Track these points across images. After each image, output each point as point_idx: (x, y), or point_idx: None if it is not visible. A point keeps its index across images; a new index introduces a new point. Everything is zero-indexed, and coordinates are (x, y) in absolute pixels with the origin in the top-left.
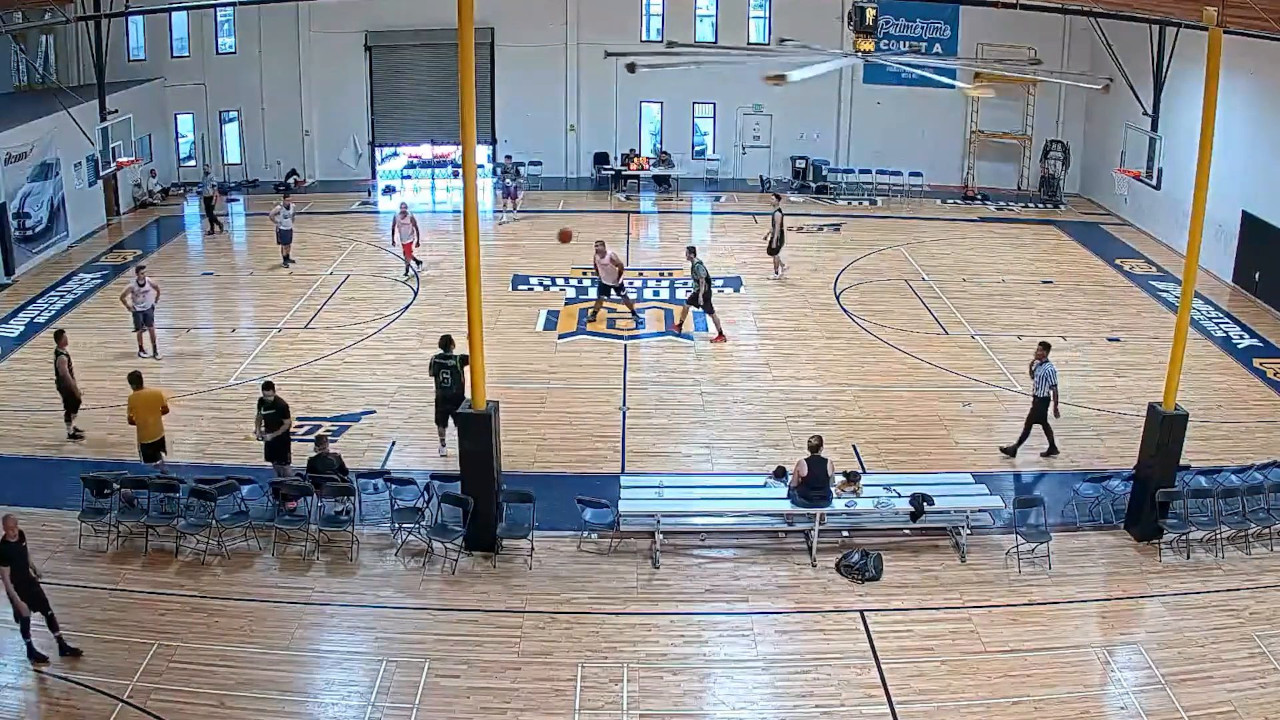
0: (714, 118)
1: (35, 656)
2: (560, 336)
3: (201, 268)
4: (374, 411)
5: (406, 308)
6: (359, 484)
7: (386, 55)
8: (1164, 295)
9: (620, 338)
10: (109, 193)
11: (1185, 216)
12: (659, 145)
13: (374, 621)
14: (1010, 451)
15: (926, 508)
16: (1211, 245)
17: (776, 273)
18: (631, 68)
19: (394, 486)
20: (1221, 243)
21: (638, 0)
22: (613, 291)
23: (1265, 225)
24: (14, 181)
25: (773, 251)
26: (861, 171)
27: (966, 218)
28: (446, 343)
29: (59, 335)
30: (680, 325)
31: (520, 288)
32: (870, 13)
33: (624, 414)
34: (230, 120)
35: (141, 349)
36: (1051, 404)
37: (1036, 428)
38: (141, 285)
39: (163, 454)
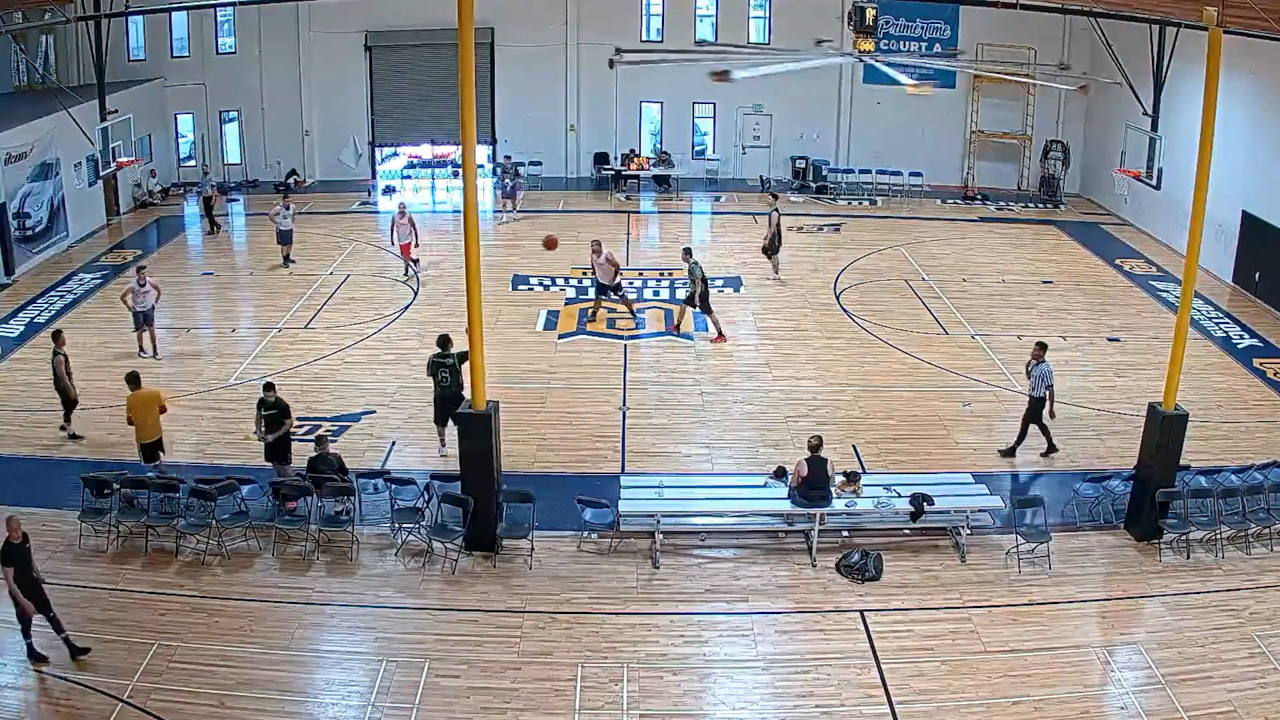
0: (714, 118)
1: (35, 656)
2: (560, 336)
3: (201, 268)
4: (374, 411)
5: (406, 308)
6: (359, 484)
7: (386, 55)
8: (1164, 295)
9: (620, 338)
10: (109, 193)
11: (1185, 216)
12: (659, 145)
13: (374, 621)
14: (1009, 452)
15: (926, 508)
16: (1211, 245)
17: (776, 273)
18: (611, 64)
19: (394, 486)
20: (1221, 243)
21: (638, 0)
22: (610, 292)
23: (1265, 225)
24: (14, 181)
25: (768, 252)
26: (861, 171)
27: (966, 218)
28: (444, 341)
29: (56, 335)
30: (678, 326)
31: (520, 288)
32: (870, 13)
33: (624, 414)
34: (230, 120)
35: (141, 349)
36: (1047, 404)
37: (1034, 428)
38: (142, 285)
39: (161, 454)
